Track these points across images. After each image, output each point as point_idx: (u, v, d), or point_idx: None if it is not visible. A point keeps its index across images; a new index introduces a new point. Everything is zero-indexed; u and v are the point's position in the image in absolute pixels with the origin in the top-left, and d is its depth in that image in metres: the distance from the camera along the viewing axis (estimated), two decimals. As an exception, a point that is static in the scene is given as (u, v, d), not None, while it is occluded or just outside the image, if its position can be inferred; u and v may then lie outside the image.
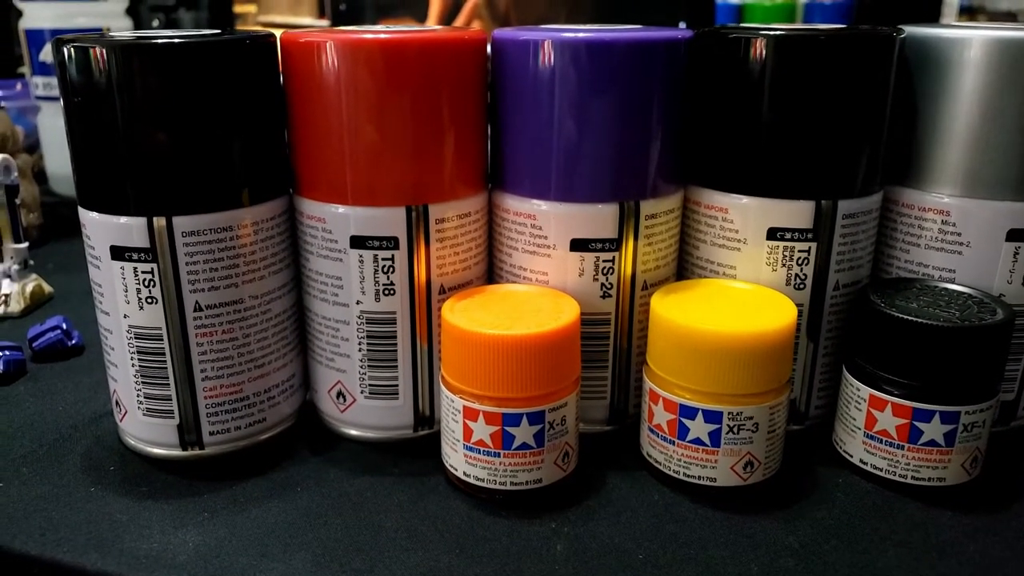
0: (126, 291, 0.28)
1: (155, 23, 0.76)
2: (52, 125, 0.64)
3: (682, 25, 0.79)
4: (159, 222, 0.27)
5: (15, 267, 0.43)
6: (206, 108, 0.27)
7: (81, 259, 0.29)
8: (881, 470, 0.29)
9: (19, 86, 0.73)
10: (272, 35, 0.29)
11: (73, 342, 0.39)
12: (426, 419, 0.31)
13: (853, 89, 0.28)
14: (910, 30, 0.30)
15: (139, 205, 0.27)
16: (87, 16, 0.62)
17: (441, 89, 0.28)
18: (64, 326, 0.38)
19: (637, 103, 0.28)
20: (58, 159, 0.65)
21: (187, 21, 0.82)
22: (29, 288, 0.44)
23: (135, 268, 0.28)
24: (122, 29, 0.65)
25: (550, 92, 0.28)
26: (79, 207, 0.29)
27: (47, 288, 0.45)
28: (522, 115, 0.29)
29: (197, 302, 0.28)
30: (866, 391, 0.29)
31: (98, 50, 0.26)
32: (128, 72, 0.26)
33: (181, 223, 0.27)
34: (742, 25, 0.31)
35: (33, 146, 0.68)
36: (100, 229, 0.28)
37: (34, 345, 0.38)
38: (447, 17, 0.75)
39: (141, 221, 0.27)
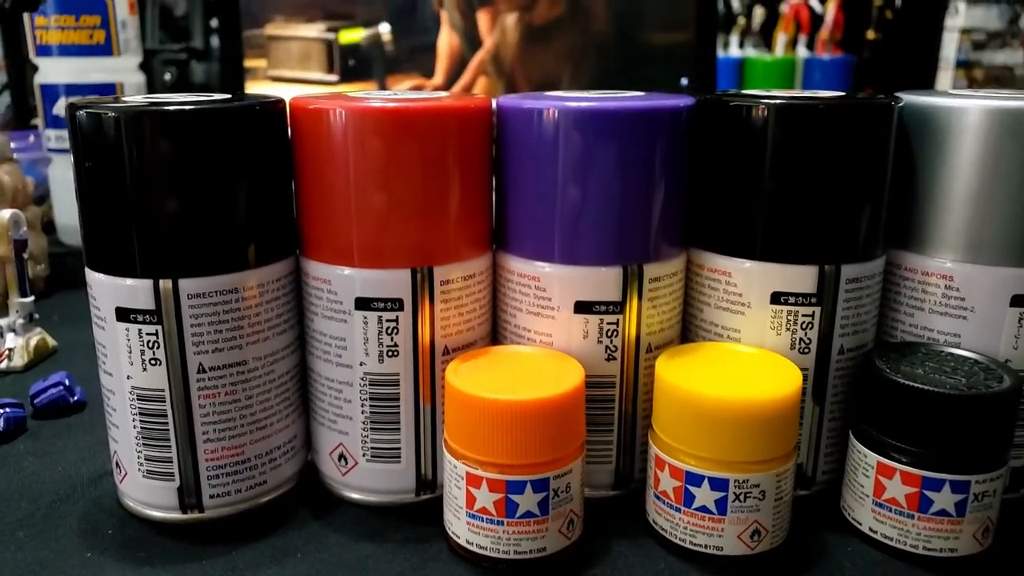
0: (130, 352, 0.28)
1: (167, 77, 0.78)
2: (63, 177, 0.65)
3: (684, 81, 0.81)
4: (165, 284, 0.27)
5: (20, 321, 0.43)
6: (215, 173, 0.28)
7: (87, 312, 0.29)
8: (891, 539, 0.29)
9: (32, 138, 0.74)
10: (281, 101, 0.30)
11: (75, 399, 0.38)
12: (428, 483, 0.31)
13: (853, 156, 0.29)
14: (908, 98, 0.30)
15: (145, 267, 0.27)
16: (101, 72, 0.63)
17: (447, 156, 0.29)
18: (67, 382, 0.38)
19: (640, 170, 0.29)
20: (68, 210, 0.66)
21: (199, 73, 0.84)
22: (33, 342, 0.44)
23: (140, 330, 0.28)
24: (135, 84, 0.66)
25: (553, 158, 0.29)
26: (86, 267, 0.29)
27: (51, 342, 0.45)
28: (526, 180, 0.30)
29: (201, 364, 0.28)
30: (874, 458, 0.29)
31: (109, 115, 0.26)
32: (139, 138, 0.26)
33: (187, 285, 0.28)
34: (743, 92, 0.31)
35: (43, 197, 0.69)
36: (106, 290, 0.28)
37: (36, 402, 0.38)
38: (453, 73, 0.77)
39: (147, 283, 0.27)
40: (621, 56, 0.80)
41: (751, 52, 1.47)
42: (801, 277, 0.29)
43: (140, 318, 0.28)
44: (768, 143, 0.29)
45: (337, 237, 0.29)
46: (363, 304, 0.29)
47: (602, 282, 0.29)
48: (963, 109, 0.29)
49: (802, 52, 1.46)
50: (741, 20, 1.52)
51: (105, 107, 0.27)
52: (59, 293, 0.57)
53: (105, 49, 0.62)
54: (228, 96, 0.30)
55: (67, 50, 0.61)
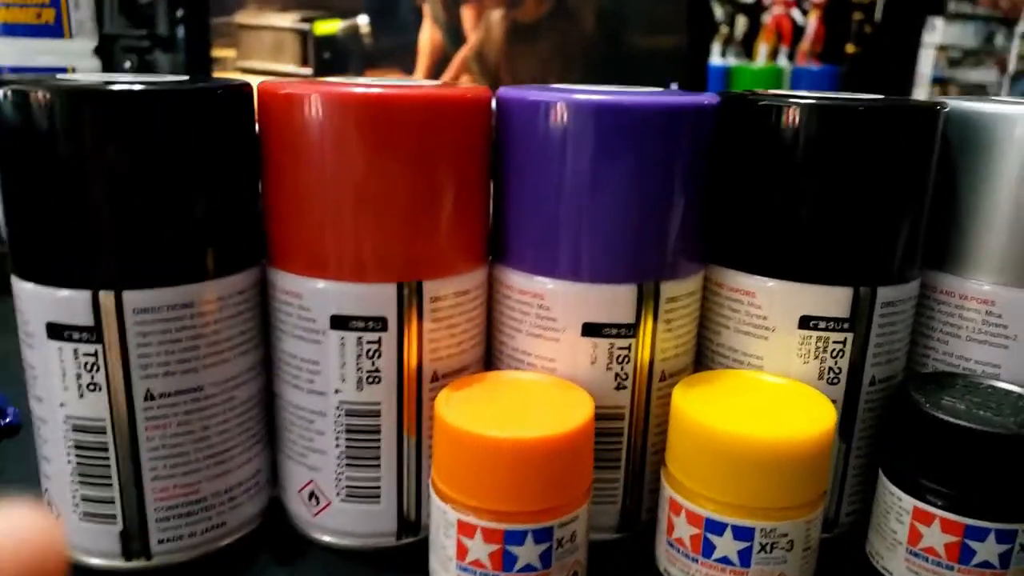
0: (64, 376, 0.24)
1: (127, 65, 0.73)
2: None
3: (674, 86, 0.78)
4: (106, 297, 0.23)
5: (-53, 330, 0.38)
6: (168, 166, 0.24)
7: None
8: (927, 592, 0.26)
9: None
10: (247, 85, 0.26)
11: (7, 421, 0.34)
12: (411, 525, 0.27)
13: (895, 165, 0.26)
14: (954, 104, 0.28)
15: (83, 276, 0.23)
16: (52, 54, 0.58)
17: (439, 151, 0.25)
18: (-4, 402, 0.34)
19: (660, 173, 0.25)
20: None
21: (163, 63, 0.79)
22: (-38, 353, 0.39)
23: (76, 349, 0.24)
24: (90, 70, 0.61)
25: (562, 159, 0.25)
26: (11, 275, 0.25)
27: (-17, 353, 0.41)
28: (529, 183, 0.26)
29: (149, 390, 0.24)
30: (909, 502, 0.26)
31: (40, 95, 0.22)
32: (76, 121, 0.22)
33: (133, 298, 0.24)
34: (772, 92, 0.28)
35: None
36: (36, 303, 0.24)
37: (-40, 424, 0.33)
38: (435, 70, 0.73)
39: (85, 295, 0.23)
40: (609, 57, 0.77)
41: (732, 61, 1.46)
42: (833, 300, 0.26)
43: (76, 336, 0.24)
44: (800, 148, 0.26)
45: (310, 244, 0.25)
46: (340, 323, 0.25)
47: (614, 302, 0.26)
48: (1014, 117, 0.26)
49: (783, 62, 1.45)
50: (724, 29, 1.51)
51: (37, 85, 0.22)
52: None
53: (55, 30, 0.57)
54: (186, 78, 0.26)
55: (12, 29, 0.56)
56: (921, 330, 0.29)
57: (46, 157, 0.23)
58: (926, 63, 1.64)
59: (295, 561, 0.27)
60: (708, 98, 0.26)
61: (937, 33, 1.65)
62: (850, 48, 1.61)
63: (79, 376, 0.24)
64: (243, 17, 0.70)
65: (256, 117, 0.26)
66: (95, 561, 0.26)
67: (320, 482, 0.27)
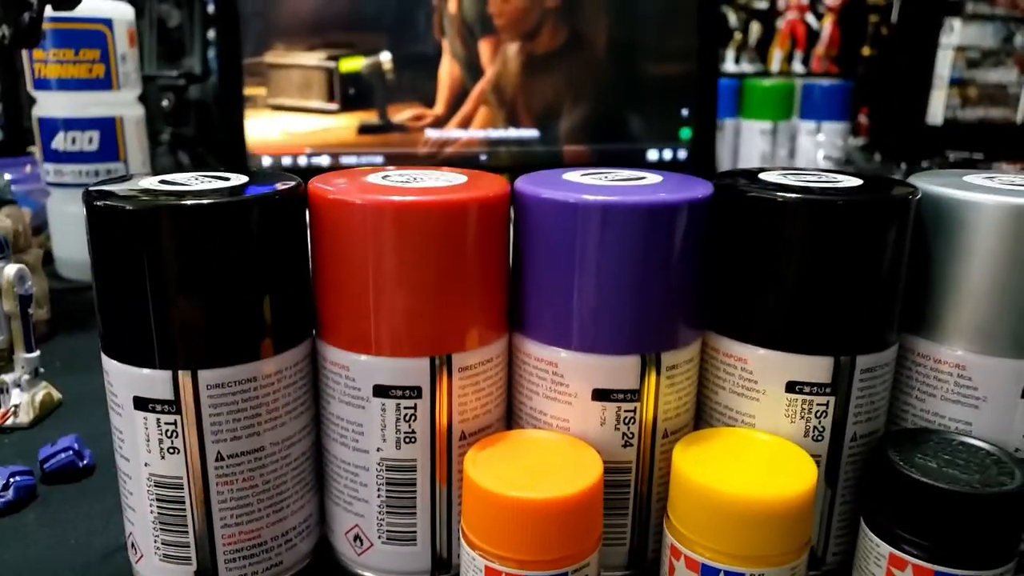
0: (148, 441, 0.28)
1: (165, 103, 0.77)
2: (62, 211, 0.64)
3: (684, 112, 0.81)
4: (184, 376, 0.27)
5: (25, 377, 0.43)
6: (233, 265, 0.27)
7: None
8: (902, 628, 0.29)
9: (28, 167, 0.73)
10: (300, 185, 0.30)
11: (85, 462, 0.38)
12: (444, 563, 0.31)
13: (871, 250, 0.29)
14: (925, 188, 0.31)
15: (164, 358, 0.27)
16: (100, 106, 0.62)
17: (466, 247, 0.29)
18: (75, 446, 0.38)
19: (659, 261, 0.29)
20: (67, 244, 0.65)
21: (196, 95, 0.84)
22: (39, 398, 0.43)
23: (158, 419, 0.28)
24: (134, 117, 0.65)
25: (571, 247, 0.29)
26: (102, 353, 0.29)
27: (56, 395, 0.45)
28: (544, 269, 0.30)
29: (219, 452, 0.28)
30: (886, 548, 0.29)
31: (125, 210, 0.26)
32: (155, 233, 0.26)
33: (206, 376, 0.28)
34: (760, 177, 0.31)
35: (40, 227, 0.68)
36: (123, 379, 0.28)
37: (45, 467, 0.38)
38: (454, 102, 0.77)
39: (166, 374, 0.27)
40: (622, 86, 0.80)
41: (747, 67, 1.47)
42: (816, 367, 0.30)
43: (159, 408, 0.28)
44: (785, 237, 0.29)
45: (356, 325, 0.29)
46: (381, 391, 0.29)
47: (620, 370, 0.30)
48: (979, 204, 0.29)
49: (798, 68, 1.47)
50: (737, 36, 1.52)
51: (121, 200, 0.26)
52: (60, 335, 0.56)
53: (104, 83, 0.61)
54: (242, 179, 0.30)
55: (66, 84, 0.60)
56: (901, 387, 0.32)
57: (131, 261, 0.27)
58: (944, 65, 1.64)
59: (343, 594, 0.31)
60: (702, 191, 0.30)
61: (955, 34, 1.65)
62: (866, 51, 1.62)
63: (161, 441, 0.28)
64: (272, 56, 0.74)
65: (307, 213, 0.30)
66: (173, 596, 0.30)
67: (364, 527, 0.31)
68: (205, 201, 0.27)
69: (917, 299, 0.32)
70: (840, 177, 0.32)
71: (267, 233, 0.28)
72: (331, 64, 0.75)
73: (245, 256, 0.28)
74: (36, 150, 0.66)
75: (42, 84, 0.61)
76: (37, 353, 0.44)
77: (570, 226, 0.28)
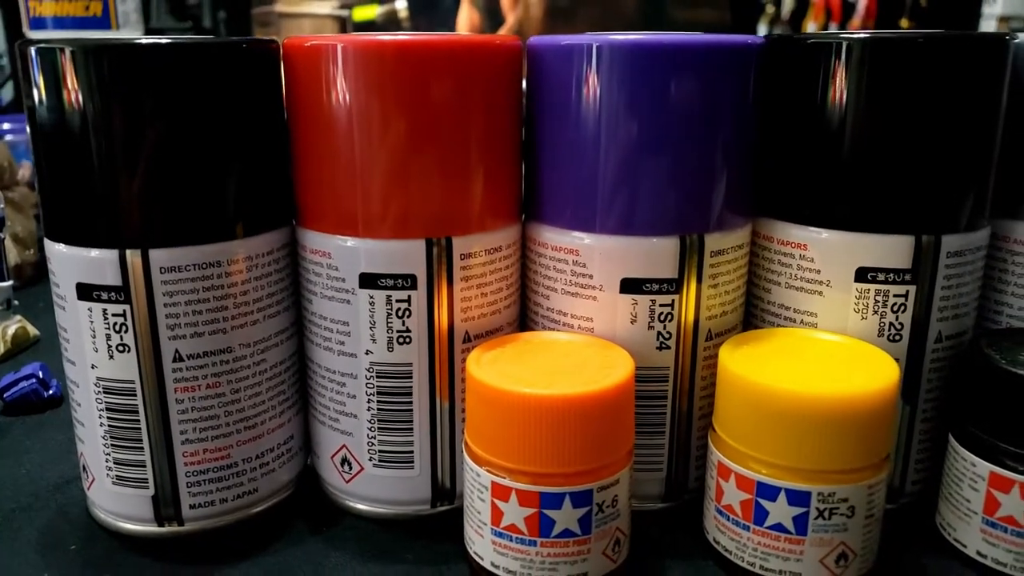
0: (94, 337, 0.24)
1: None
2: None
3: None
4: (133, 256, 0.23)
5: (-3, 307, 0.39)
6: (193, 124, 0.23)
7: None
8: (1005, 566, 0.24)
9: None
10: (274, 41, 0.25)
11: (51, 392, 0.34)
12: (446, 492, 0.26)
13: (959, 102, 0.24)
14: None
15: (111, 236, 0.23)
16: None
17: (470, 102, 0.24)
18: (41, 374, 0.34)
19: (703, 118, 0.24)
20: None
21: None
22: (11, 331, 0.40)
23: (104, 310, 0.24)
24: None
25: (597, 106, 0.24)
26: (45, 239, 0.25)
27: (32, 331, 0.41)
28: (564, 133, 0.25)
29: (177, 351, 0.24)
30: (984, 467, 0.24)
31: (66, 53, 0.22)
32: (100, 79, 0.22)
33: (159, 257, 0.23)
34: (819, 31, 0.26)
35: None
36: (66, 264, 0.24)
37: (5, 396, 0.34)
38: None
39: (112, 254, 0.23)
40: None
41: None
42: (893, 250, 0.24)
43: (105, 296, 0.23)
44: (855, 87, 0.24)
45: (339, 202, 0.24)
46: (369, 281, 0.24)
47: (655, 256, 0.25)
48: (1095, 45, 0.24)
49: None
50: (770, 8, 1.46)
51: (62, 43, 0.22)
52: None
53: (102, 22, 0.58)
54: (213, 36, 0.26)
55: (62, 22, 0.57)
56: (993, 284, 0.27)
57: (73, 118, 0.22)
58: (988, 36, 1.56)
59: (328, 530, 0.26)
60: (752, 39, 0.25)
61: (998, 4, 1.57)
62: (904, 23, 1.55)
63: (108, 337, 0.24)
64: (283, 5, 0.70)
65: (283, 75, 0.25)
66: (128, 526, 0.26)
67: (352, 448, 0.26)
68: (160, 42, 0.22)
69: (1013, 175, 0.26)
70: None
71: (235, 89, 0.24)
72: (344, 12, 0.72)
73: (208, 114, 0.23)
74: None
75: (38, 23, 0.58)
76: (10, 283, 0.40)
77: (592, 77, 0.24)
